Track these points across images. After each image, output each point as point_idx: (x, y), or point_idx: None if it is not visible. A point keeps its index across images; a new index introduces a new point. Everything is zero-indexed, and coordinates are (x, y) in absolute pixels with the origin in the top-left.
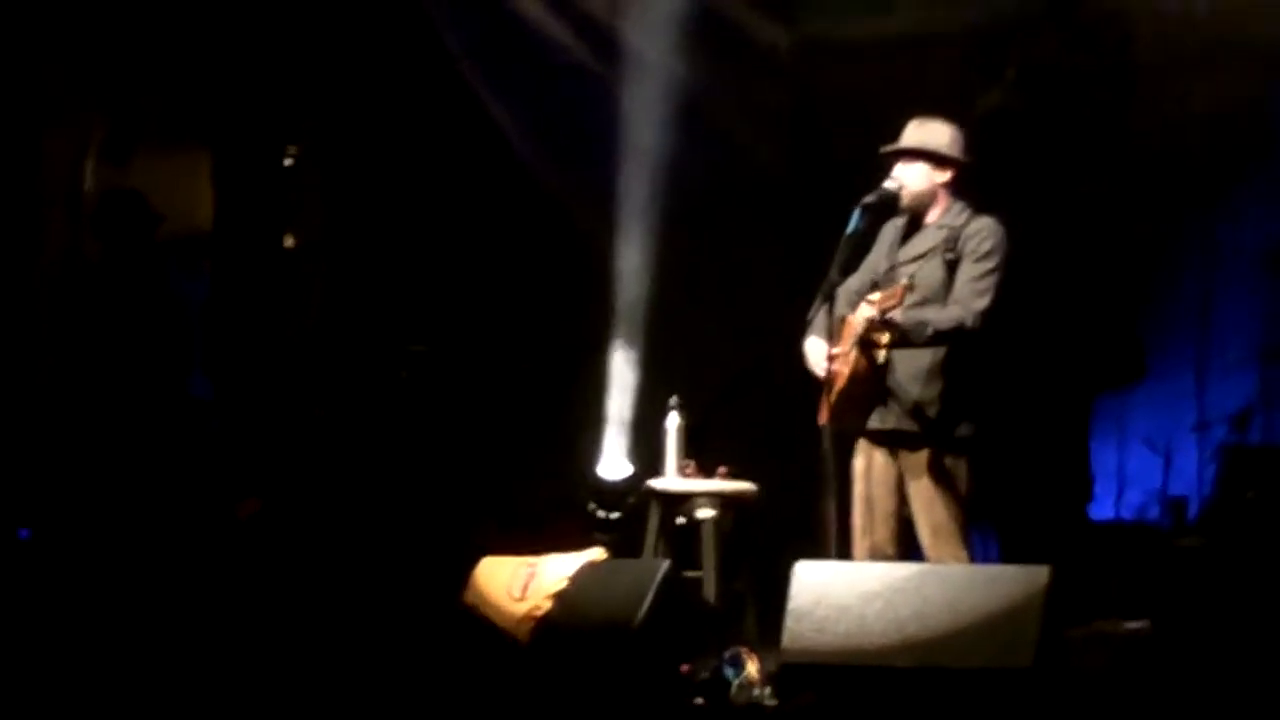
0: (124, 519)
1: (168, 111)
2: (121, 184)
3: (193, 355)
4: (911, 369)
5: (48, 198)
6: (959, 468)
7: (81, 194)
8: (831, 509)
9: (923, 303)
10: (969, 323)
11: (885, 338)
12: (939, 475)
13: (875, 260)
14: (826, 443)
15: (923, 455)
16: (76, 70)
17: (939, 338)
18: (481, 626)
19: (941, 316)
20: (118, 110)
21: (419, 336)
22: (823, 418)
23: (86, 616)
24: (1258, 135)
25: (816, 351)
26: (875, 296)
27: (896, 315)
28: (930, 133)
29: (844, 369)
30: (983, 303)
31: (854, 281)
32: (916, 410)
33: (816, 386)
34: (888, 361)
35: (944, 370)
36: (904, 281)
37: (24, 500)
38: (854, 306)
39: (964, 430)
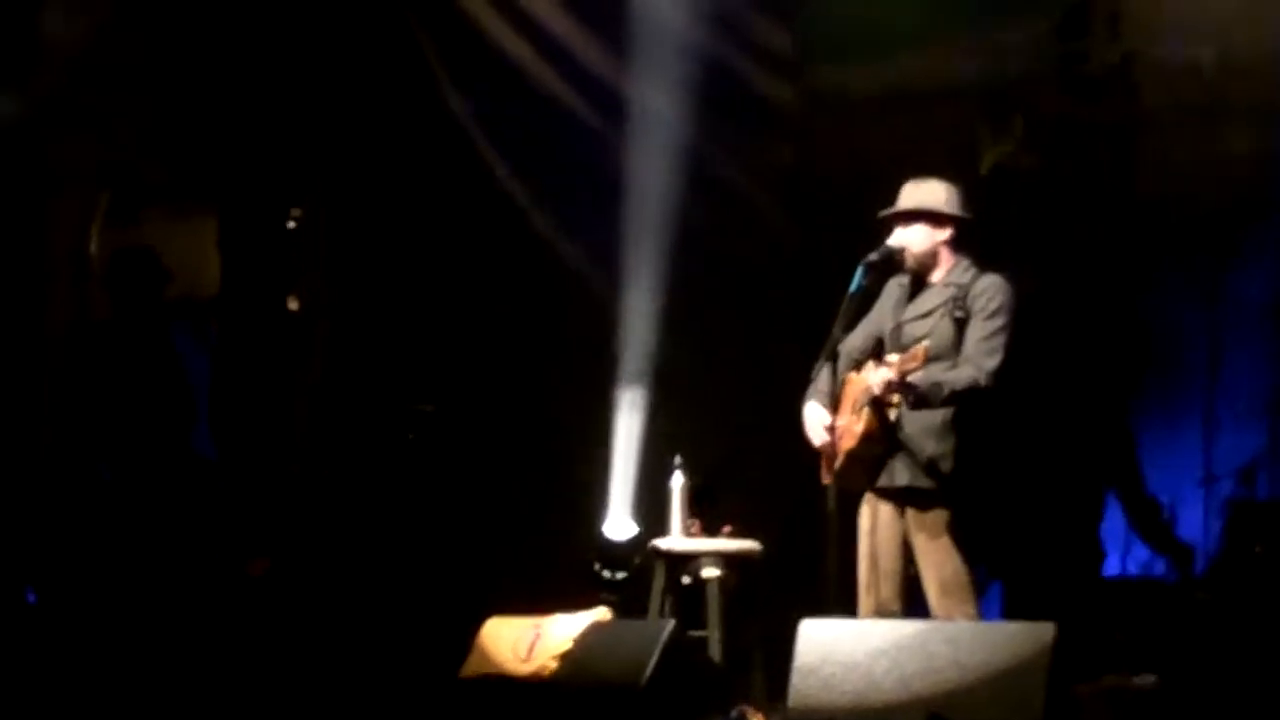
0: (131, 577)
1: (173, 176)
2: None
3: (196, 413)
4: (924, 425)
5: (54, 262)
6: (968, 523)
7: (88, 258)
8: (834, 568)
9: (934, 360)
10: (983, 381)
11: (900, 399)
12: (949, 532)
13: (878, 318)
14: (831, 502)
15: (930, 511)
16: (82, 135)
17: (954, 398)
18: (489, 687)
19: (955, 377)
20: (123, 175)
21: (425, 396)
22: (825, 478)
23: (94, 678)
24: (1264, 188)
25: (815, 419)
26: (894, 359)
27: (915, 377)
28: (926, 192)
29: (853, 429)
30: (994, 361)
31: (855, 339)
32: (930, 466)
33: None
34: (899, 419)
35: (955, 425)
36: (925, 345)
37: (29, 561)
38: (856, 365)
39: (974, 486)
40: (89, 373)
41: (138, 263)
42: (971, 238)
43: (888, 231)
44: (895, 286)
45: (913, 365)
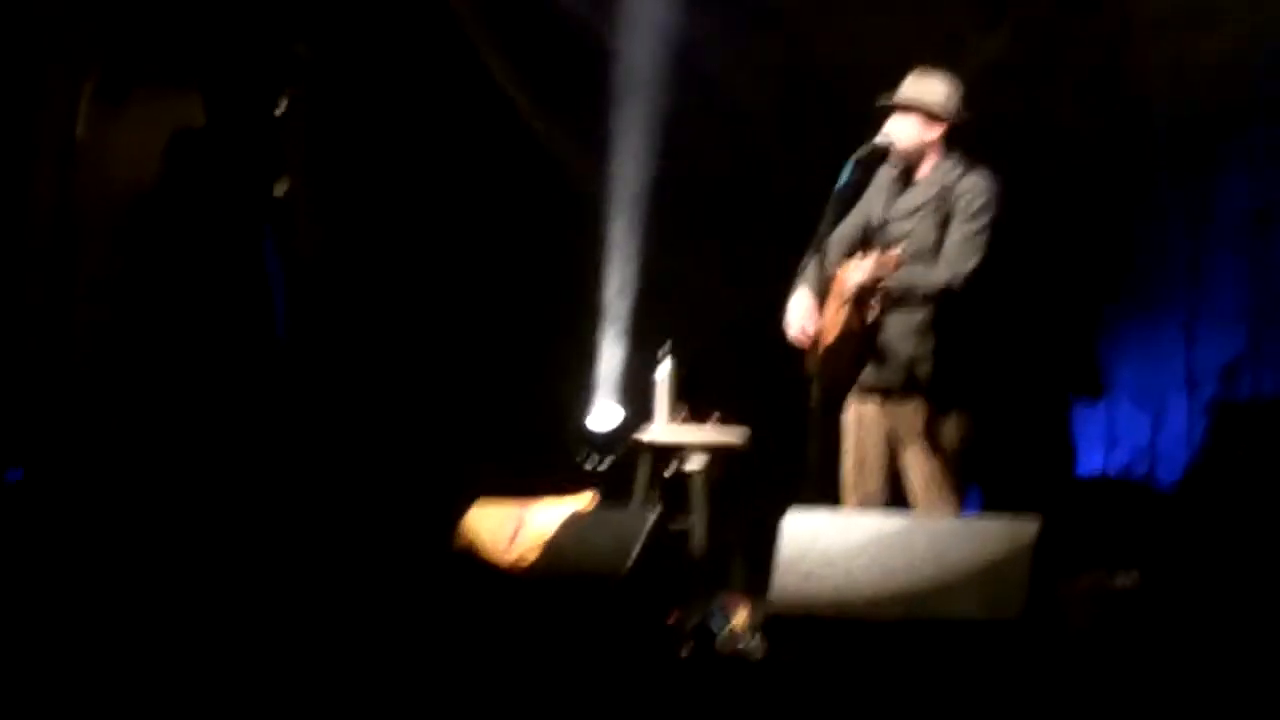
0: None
1: (161, 56)
2: (113, 131)
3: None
4: (902, 327)
5: (42, 139)
6: (953, 421)
7: (74, 139)
8: (818, 462)
9: (914, 258)
10: (955, 284)
11: (878, 300)
12: (930, 429)
13: (868, 207)
14: (815, 395)
15: (914, 409)
16: (71, 16)
17: (926, 300)
18: (475, 568)
19: (928, 280)
20: (111, 56)
21: (411, 283)
22: (811, 368)
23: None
24: (1248, 96)
25: (798, 310)
26: (868, 262)
27: (889, 280)
28: (925, 88)
29: (835, 324)
30: (971, 264)
31: (846, 229)
32: (908, 367)
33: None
34: (879, 320)
35: (934, 327)
36: (896, 253)
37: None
38: (847, 255)
39: (956, 385)
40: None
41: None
42: (963, 136)
43: (881, 121)
44: (885, 177)
45: (884, 272)
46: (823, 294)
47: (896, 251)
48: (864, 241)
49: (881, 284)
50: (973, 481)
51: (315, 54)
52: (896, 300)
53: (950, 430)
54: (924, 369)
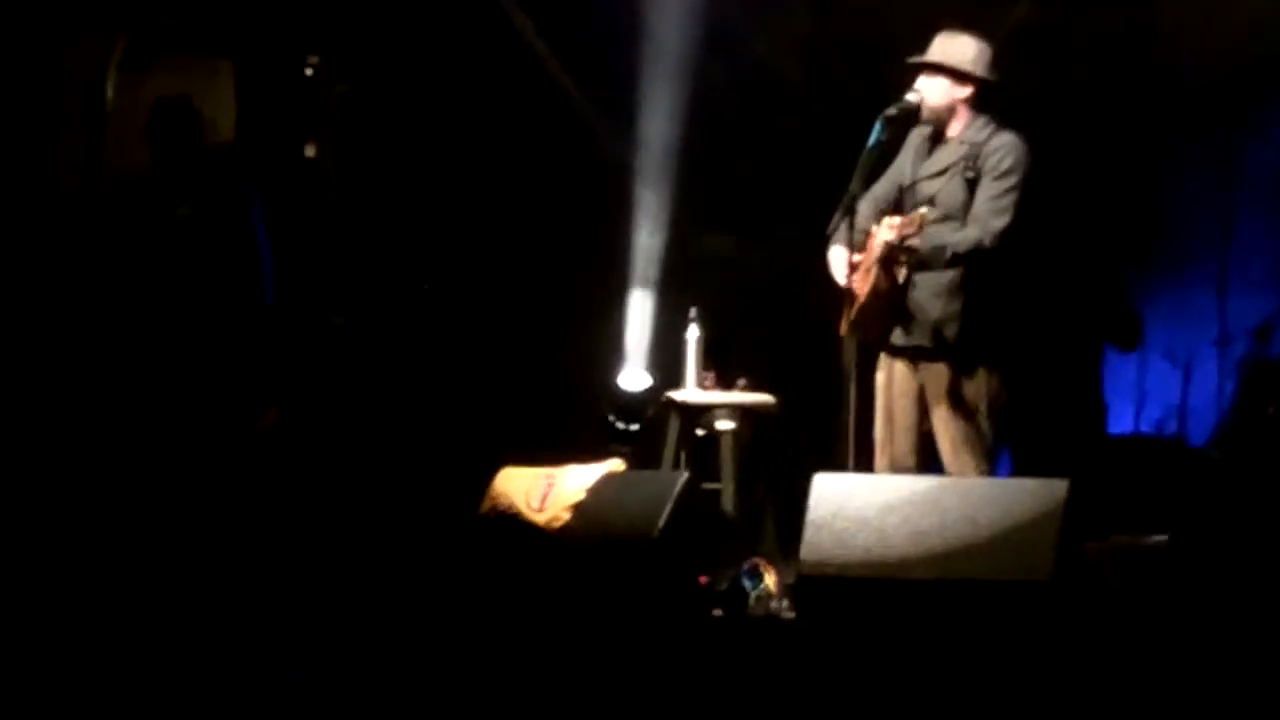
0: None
1: (189, 22)
2: (143, 96)
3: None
4: (931, 287)
5: (69, 109)
6: (982, 382)
7: (104, 105)
8: (851, 421)
9: (943, 219)
10: (986, 243)
11: (904, 261)
12: (959, 390)
13: (900, 167)
14: (847, 355)
15: (943, 370)
16: None
17: (957, 259)
18: (505, 527)
19: (959, 238)
20: (138, 21)
21: (440, 248)
22: (843, 328)
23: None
24: (1278, 57)
25: (840, 261)
26: (895, 221)
27: (914, 241)
28: (954, 47)
29: (865, 283)
30: (1001, 222)
31: (879, 189)
32: (936, 328)
33: (837, 299)
34: (908, 279)
35: (964, 288)
36: (923, 211)
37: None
38: (878, 216)
39: (985, 346)
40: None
41: (178, 113)
42: (994, 97)
43: (911, 81)
44: (918, 136)
45: (910, 230)
46: (858, 250)
47: (923, 210)
48: (896, 202)
49: (908, 243)
50: (1004, 443)
51: (345, 19)
52: (925, 260)
53: (979, 391)
54: (951, 330)
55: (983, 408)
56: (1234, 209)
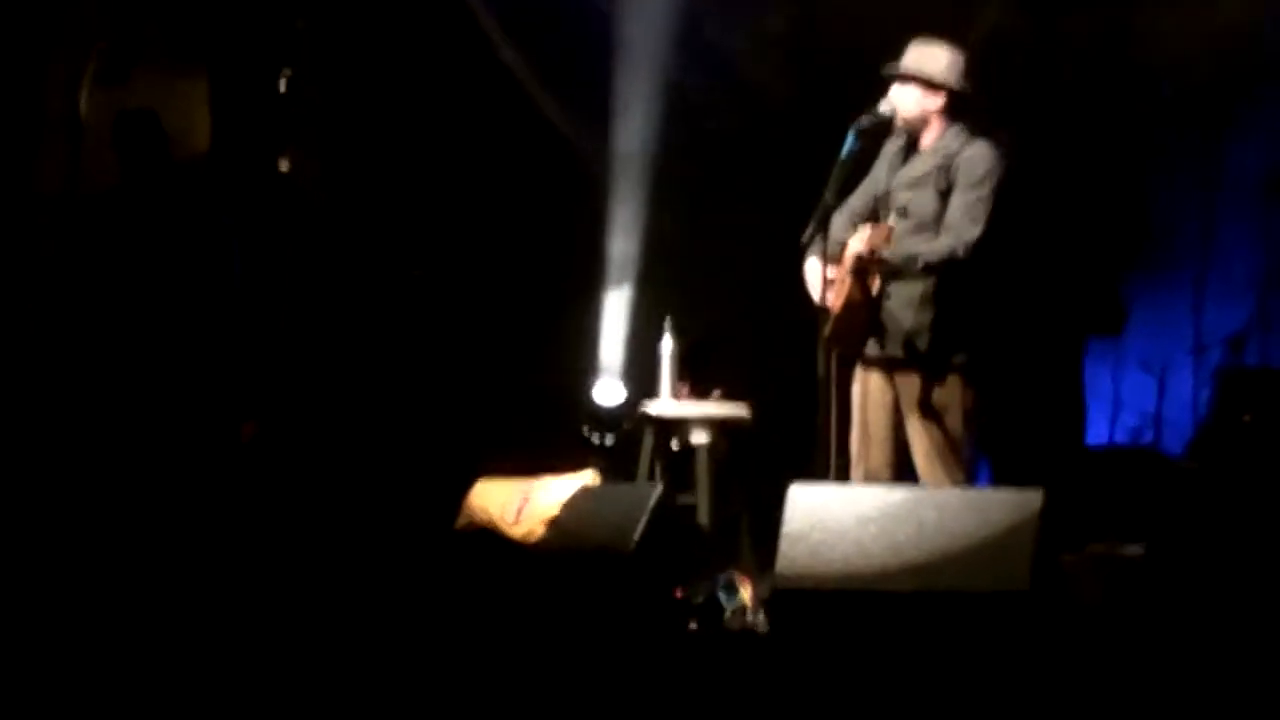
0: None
1: (164, 35)
2: (119, 107)
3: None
4: (904, 297)
5: (47, 122)
6: (956, 392)
7: (80, 118)
8: (829, 433)
9: (917, 229)
10: (960, 252)
11: (876, 272)
12: (933, 400)
13: (876, 178)
14: (822, 366)
15: (915, 381)
16: None
17: (930, 269)
18: (480, 541)
19: (932, 248)
20: (114, 33)
21: (416, 261)
22: (823, 337)
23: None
24: (1258, 61)
25: (815, 276)
26: (865, 232)
27: (885, 252)
28: (926, 57)
29: (840, 295)
30: (974, 231)
31: (855, 201)
32: (909, 338)
33: (813, 309)
34: (882, 290)
35: (936, 298)
36: (890, 222)
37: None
38: (855, 228)
39: (958, 357)
40: (101, 239)
41: (142, 125)
42: (968, 105)
43: (885, 90)
44: (892, 147)
45: (879, 241)
46: (834, 262)
47: (890, 221)
48: (873, 213)
49: (879, 254)
50: (983, 453)
51: (318, 30)
52: (898, 271)
53: (953, 402)
54: (924, 340)
55: (957, 418)
56: (1212, 216)
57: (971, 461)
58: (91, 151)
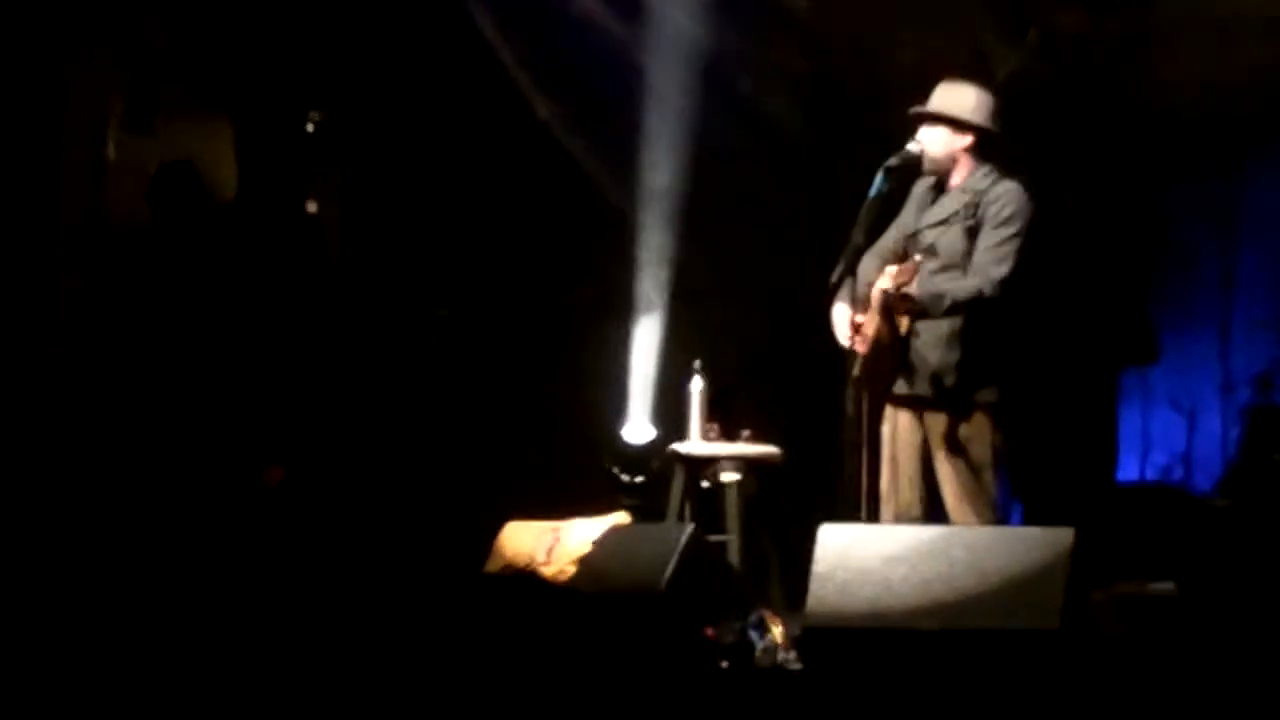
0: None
1: (189, 79)
2: (145, 153)
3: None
4: (931, 337)
5: (70, 166)
6: (984, 431)
7: (105, 163)
8: (861, 473)
9: (944, 269)
10: (987, 291)
11: (902, 309)
12: (960, 440)
13: (905, 218)
14: (851, 406)
15: (943, 420)
16: (98, 39)
17: (957, 308)
18: (511, 582)
19: (959, 287)
20: (139, 78)
21: (442, 301)
22: (853, 376)
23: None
24: (1277, 101)
25: (842, 321)
26: (892, 270)
27: (912, 289)
28: (954, 97)
29: (868, 335)
30: (1002, 270)
31: (885, 241)
32: (935, 378)
33: (841, 349)
34: (910, 329)
35: (963, 337)
36: (916, 259)
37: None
38: (883, 269)
39: (986, 396)
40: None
41: (181, 177)
42: (997, 146)
43: (913, 130)
44: (921, 187)
45: (905, 279)
46: (863, 304)
47: (916, 258)
48: (903, 254)
49: (904, 291)
50: (1011, 492)
51: (344, 73)
52: (924, 308)
53: (982, 440)
54: (951, 379)
55: (986, 457)
56: (1236, 255)
57: (1003, 502)
58: (115, 193)
